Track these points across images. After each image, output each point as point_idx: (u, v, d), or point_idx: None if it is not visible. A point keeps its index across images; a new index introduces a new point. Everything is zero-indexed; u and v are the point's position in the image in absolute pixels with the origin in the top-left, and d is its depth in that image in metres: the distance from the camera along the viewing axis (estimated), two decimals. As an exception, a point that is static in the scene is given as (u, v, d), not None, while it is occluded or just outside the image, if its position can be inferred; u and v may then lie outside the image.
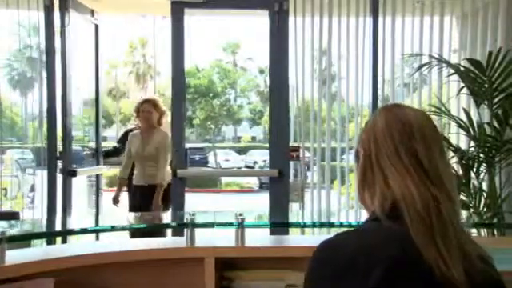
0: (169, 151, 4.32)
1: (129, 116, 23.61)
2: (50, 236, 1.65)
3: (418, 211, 0.98)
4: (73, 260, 1.45)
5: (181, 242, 1.61)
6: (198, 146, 23.22)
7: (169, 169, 4.37)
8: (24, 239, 1.54)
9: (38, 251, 1.55)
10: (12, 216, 3.48)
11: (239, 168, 20.36)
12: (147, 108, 4.43)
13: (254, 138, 28.58)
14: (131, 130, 4.85)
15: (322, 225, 1.93)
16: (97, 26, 4.66)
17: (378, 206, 1.03)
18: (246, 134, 28.32)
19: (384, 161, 1.05)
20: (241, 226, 1.59)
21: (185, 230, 1.61)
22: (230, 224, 1.60)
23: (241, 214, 1.62)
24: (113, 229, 1.65)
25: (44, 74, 3.96)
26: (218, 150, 24.35)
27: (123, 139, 4.98)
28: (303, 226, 1.84)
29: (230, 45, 26.37)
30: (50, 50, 3.90)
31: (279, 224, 1.82)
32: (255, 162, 21.33)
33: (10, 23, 3.89)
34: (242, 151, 25.19)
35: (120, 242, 1.65)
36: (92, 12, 4.52)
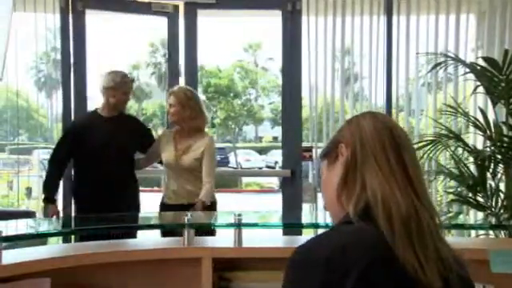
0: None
1: (151, 117, 23.79)
2: (44, 236, 1.69)
3: (401, 214, 0.98)
4: (69, 260, 1.47)
5: (179, 242, 1.62)
6: (219, 146, 23.32)
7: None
8: (19, 239, 1.57)
9: (37, 250, 1.58)
10: (28, 215, 3.57)
11: (260, 168, 20.35)
12: (172, 101, 3.31)
13: (275, 138, 28.54)
14: (95, 114, 3.47)
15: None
16: (171, 16, 4.13)
17: (352, 208, 1.03)
18: (268, 134, 28.31)
19: (369, 162, 1.04)
20: (238, 226, 1.59)
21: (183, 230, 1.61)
22: (228, 225, 1.60)
23: (239, 215, 1.62)
24: (109, 230, 1.67)
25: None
26: (239, 149, 24.38)
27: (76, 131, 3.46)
28: (302, 226, 1.84)
29: (250, 45, 26.41)
30: (65, 52, 3.96)
31: (277, 225, 1.82)
32: (276, 162, 21.30)
33: (37, 26, 3.98)
34: (262, 151, 25.19)
35: (117, 243, 1.67)
36: (149, 5, 4.09)
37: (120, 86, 3.37)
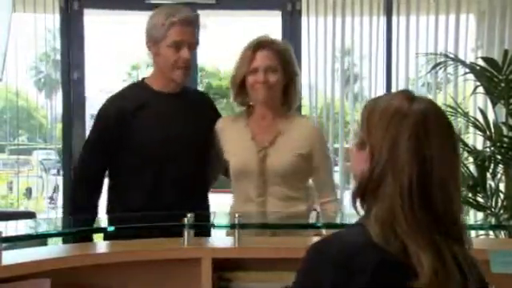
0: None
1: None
2: (44, 237, 1.69)
3: (427, 273, 0.96)
4: (69, 260, 1.47)
5: (179, 242, 1.62)
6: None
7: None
8: (19, 240, 1.58)
9: (37, 251, 1.58)
10: (28, 216, 3.56)
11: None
12: (268, 61, 1.99)
13: (275, 139, 28.50)
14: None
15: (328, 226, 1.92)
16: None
17: (366, 213, 1.04)
18: (268, 135, 28.31)
19: (393, 184, 0.99)
20: (238, 226, 1.59)
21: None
22: (228, 225, 1.60)
23: (239, 215, 1.62)
24: (110, 231, 1.67)
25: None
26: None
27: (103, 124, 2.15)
28: (302, 226, 1.84)
29: (250, 45, 26.45)
30: (64, 53, 3.97)
31: (277, 225, 1.82)
32: (276, 163, 21.30)
33: (37, 27, 3.98)
34: (263, 152, 25.23)
35: (116, 243, 1.67)
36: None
37: (198, 21, 2.10)
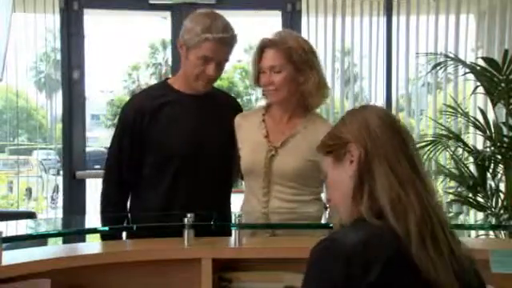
0: None
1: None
2: (45, 237, 1.69)
3: (417, 219, 0.99)
4: (69, 260, 1.47)
5: (179, 242, 1.62)
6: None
7: None
8: (20, 240, 1.58)
9: (37, 251, 1.58)
10: (28, 216, 3.56)
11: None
12: (271, 62, 1.94)
13: (275, 139, 28.44)
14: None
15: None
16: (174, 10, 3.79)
17: (367, 209, 1.05)
18: (268, 135, 28.25)
19: (382, 164, 1.05)
20: (239, 226, 1.59)
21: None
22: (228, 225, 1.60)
23: (239, 215, 1.63)
24: (111, 230, 1.67)
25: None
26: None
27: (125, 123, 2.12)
28: (302, 226, 1.84)
29: (250, 46, 26.43)
30: (64, 53, 3.96)
31: (277, 225, 1.82)
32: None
33: (37, 27, 3.98)
34: (263, 152, 25.20)
35: (117, 243, 1.67)
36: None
37: (233, 42, 2.04)
